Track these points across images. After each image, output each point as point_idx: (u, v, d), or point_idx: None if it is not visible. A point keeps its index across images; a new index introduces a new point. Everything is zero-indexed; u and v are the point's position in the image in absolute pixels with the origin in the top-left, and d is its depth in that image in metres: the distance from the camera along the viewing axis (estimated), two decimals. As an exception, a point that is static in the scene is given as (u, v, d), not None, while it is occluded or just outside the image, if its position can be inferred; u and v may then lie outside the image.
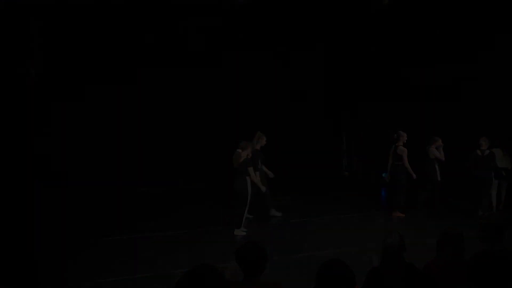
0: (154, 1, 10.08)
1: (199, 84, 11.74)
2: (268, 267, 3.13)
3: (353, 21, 10.87)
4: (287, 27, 11.08)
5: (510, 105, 9.03)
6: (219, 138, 11.07)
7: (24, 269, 6.08)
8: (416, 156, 9.23)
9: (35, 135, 9.71)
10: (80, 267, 6.34)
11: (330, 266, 2.63)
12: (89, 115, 10.78)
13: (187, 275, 2.12)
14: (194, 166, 11.38)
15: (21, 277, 5.85)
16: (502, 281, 2.56)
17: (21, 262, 6.31)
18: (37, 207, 8.64)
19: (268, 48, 11.84)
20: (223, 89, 11.88)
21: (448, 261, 3.41)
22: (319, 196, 11.32)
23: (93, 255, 6.83)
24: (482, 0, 9.20)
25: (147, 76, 11.22)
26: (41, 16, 9.67)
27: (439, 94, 10.69)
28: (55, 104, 10.35)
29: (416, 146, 9.18)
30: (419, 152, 9.14)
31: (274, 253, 6.58)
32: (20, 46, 9.65)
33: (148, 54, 11.18)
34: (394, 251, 3.32)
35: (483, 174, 8.77)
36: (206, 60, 11.67)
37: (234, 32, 11.57)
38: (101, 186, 9.95)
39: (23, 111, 9.59)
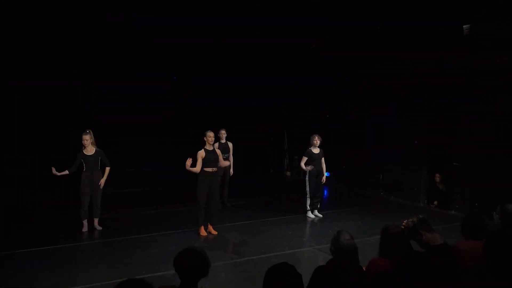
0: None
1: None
2: (214, 271, 2.73)
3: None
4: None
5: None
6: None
7: None
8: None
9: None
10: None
11: (277, 269, 2.45)
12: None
13: None
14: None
15: None
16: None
17: None
18: None
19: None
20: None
21: (390, 258, 3.13)
22: (262, 197, 10.69)
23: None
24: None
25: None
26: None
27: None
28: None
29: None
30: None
31: (220, 257, 6.35)
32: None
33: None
34: (353, 250, 3.01)
35: None
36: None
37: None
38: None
39: None
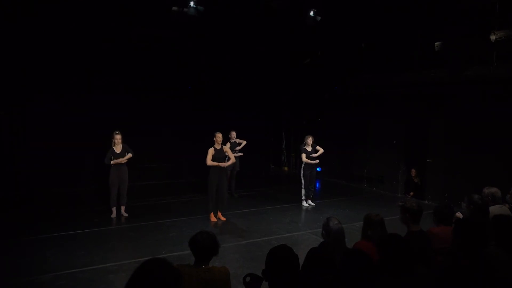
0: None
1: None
2: (222, 251, 2.71)
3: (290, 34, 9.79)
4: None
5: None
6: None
7: None
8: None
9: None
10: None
11: (277, 250, 2.41)
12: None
13: (138, 270, 1.67)
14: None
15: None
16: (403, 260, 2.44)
17: None
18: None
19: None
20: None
21: (371, 241, 3.10)
22: (264, 188, 10.43)
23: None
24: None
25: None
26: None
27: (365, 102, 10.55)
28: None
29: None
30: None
31: (228, 239, 6.32)
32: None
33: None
34: (341, 234, 2.99)
35: None
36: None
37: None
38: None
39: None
